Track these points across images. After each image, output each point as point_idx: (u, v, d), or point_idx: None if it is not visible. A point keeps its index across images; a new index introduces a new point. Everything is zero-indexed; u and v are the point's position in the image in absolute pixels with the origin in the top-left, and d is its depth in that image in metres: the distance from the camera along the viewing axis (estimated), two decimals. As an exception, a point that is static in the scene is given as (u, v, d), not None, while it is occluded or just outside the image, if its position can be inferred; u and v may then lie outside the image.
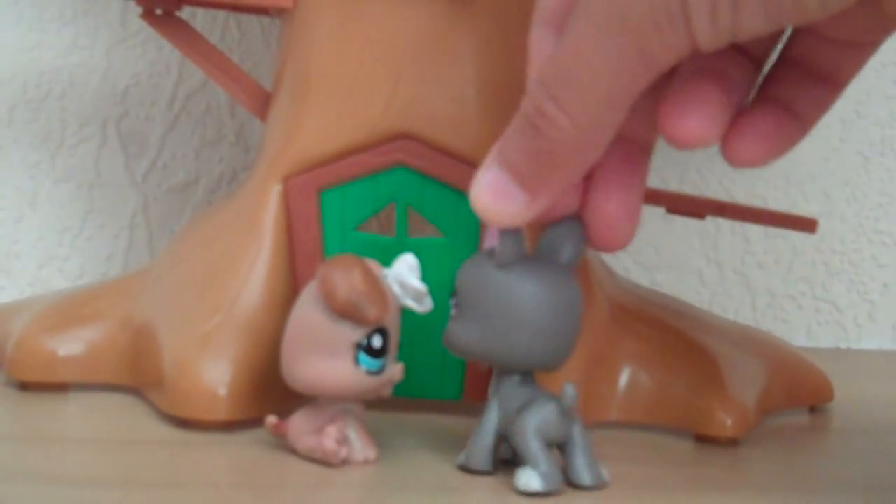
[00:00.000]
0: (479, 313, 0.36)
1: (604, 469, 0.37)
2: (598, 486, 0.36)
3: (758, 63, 0.34)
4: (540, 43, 0.35)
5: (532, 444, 0.35)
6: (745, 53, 0.34)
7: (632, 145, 0.35)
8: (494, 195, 0.33)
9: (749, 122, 0.33)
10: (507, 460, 0.37)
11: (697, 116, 0.32)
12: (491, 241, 0.37)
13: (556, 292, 0.36)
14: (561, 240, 0.36)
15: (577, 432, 0.36)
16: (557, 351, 0.36)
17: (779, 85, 0.34)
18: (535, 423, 0.35)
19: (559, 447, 0.36)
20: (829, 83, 0.34)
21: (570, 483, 0.36)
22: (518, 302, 0.36)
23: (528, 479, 0.35)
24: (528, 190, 0.33)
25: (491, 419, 0.37)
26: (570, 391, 0.35)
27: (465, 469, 0.37)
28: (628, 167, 0.35)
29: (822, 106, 0.34)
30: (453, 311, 0.37)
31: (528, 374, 0.37)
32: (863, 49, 0.33)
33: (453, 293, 0.37)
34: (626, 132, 0.34)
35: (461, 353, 0.37)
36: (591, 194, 0.35)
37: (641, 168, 0.36)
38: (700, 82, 0.32)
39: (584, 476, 0.36)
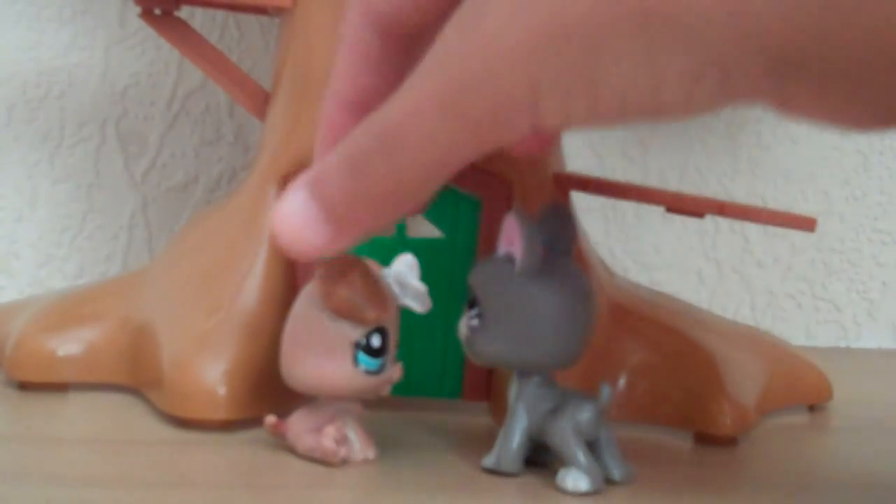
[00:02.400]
0: (506, 322, 0.36)
1: (629, 465, 0.37)
2: (627, 480, 0.37)
3: None
4: (358, 31, 0.34)
5: (575, 444, 0.36)
6: None
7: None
8: (298, 224, 0.32)
9: None
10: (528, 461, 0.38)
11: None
12: (506, 245, 0.36)
13: (574, 291, 0.36)
14: (552, 229, 0.37)
15: (605, 429, 0.37)
16: (578, 348, 0.37)
17: None
18: (575, 424, 0.36)
19: (588, 444, 0.37)
20: None
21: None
22: (546, 308, 0.36)
23: (577, 479, 0.36)
24: (335, 226, 0.32)
25: (519, 422, 0.37)
26: (606, 392, 0.36)
27: (495, 471, 0.37)
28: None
29: None
30: (475, 322, 0.36)
31: (546, 374, 0.37)
32: None
33: (471, 303, 0.37)
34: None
35: (490, 363, 0.37)
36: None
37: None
38: None
39: (615, 471, 0.37)
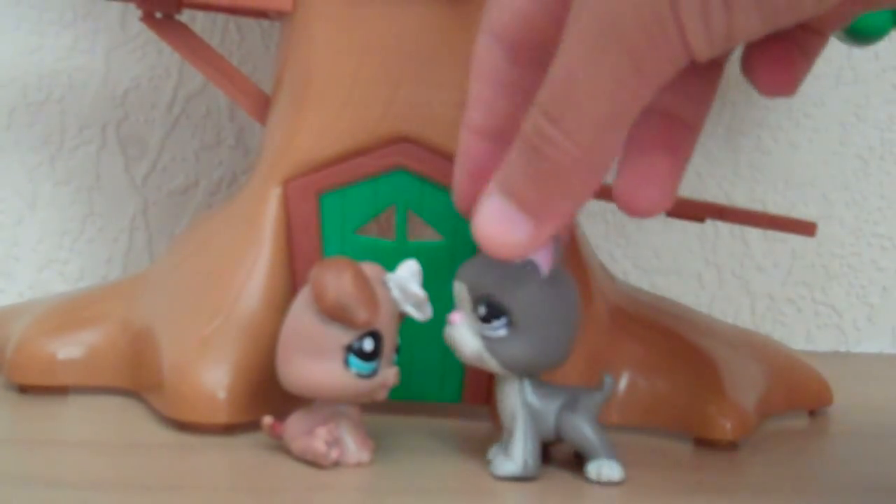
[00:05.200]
0: (537, 328, 0.36)
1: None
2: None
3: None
4: (487, 54, 0.34)
5: (596, 436, 0.37)
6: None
7: (672, 120, 0.33)
8: (499, 225, 0.32)
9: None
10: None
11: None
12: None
13: (574, 292, 0.37)
14: None
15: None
16: (572, 347, 0.38)
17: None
18: (591, 416, 0.37)
19: None
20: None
21: None
22: (565, 311, 0.37)
23: (611, 469, 0.37)
24: (534, 216, 0.31)
25: (532, 425, 0.37)
26: (609, 382, 0.37)
27: (521, 478, 0.37)
28: (666, 137, 0.33)
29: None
30: (503, 332, 0.36)
31: (537, 375, 0.38)
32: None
33: (494, 313, 0.36)
34: (667, 107, 0.33)
35: (520, 370, 0.37)
36: (624, 159, 0.33)
37: (682, 140, 0.34)
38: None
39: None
